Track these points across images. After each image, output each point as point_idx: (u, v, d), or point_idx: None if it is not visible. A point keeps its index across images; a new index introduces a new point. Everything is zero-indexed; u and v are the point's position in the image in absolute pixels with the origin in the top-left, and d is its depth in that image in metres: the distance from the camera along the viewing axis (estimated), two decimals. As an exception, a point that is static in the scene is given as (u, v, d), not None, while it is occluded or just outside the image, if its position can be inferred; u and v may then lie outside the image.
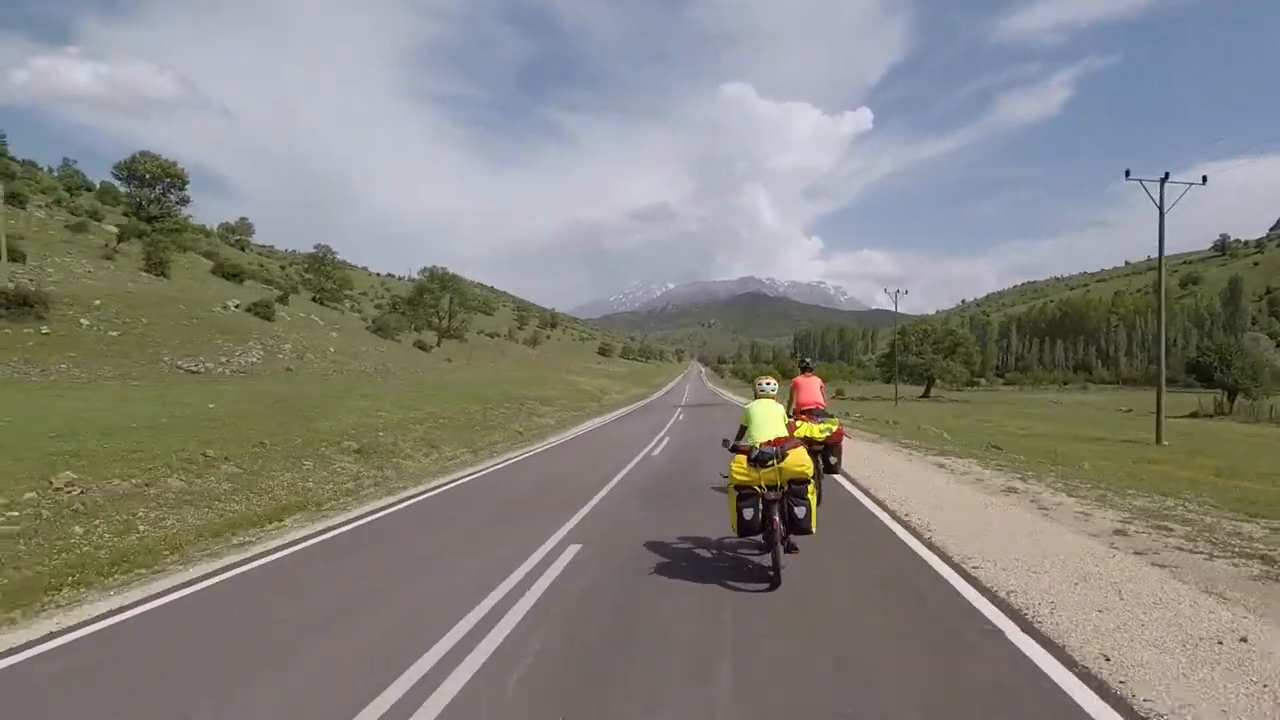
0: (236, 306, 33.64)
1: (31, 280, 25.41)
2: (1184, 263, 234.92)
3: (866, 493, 10.38)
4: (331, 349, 32.99)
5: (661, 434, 21.17)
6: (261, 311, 34.85)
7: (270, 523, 8.42)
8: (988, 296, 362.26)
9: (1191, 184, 25.48)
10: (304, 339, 32.63)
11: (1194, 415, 43.77)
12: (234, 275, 56.79)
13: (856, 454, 14.80)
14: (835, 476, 10.07)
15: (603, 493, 10.57)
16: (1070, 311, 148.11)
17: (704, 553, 6.90)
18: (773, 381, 6.87)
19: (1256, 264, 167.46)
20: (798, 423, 8.20)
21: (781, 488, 5.71)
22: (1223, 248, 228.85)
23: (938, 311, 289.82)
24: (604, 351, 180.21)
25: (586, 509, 9.26)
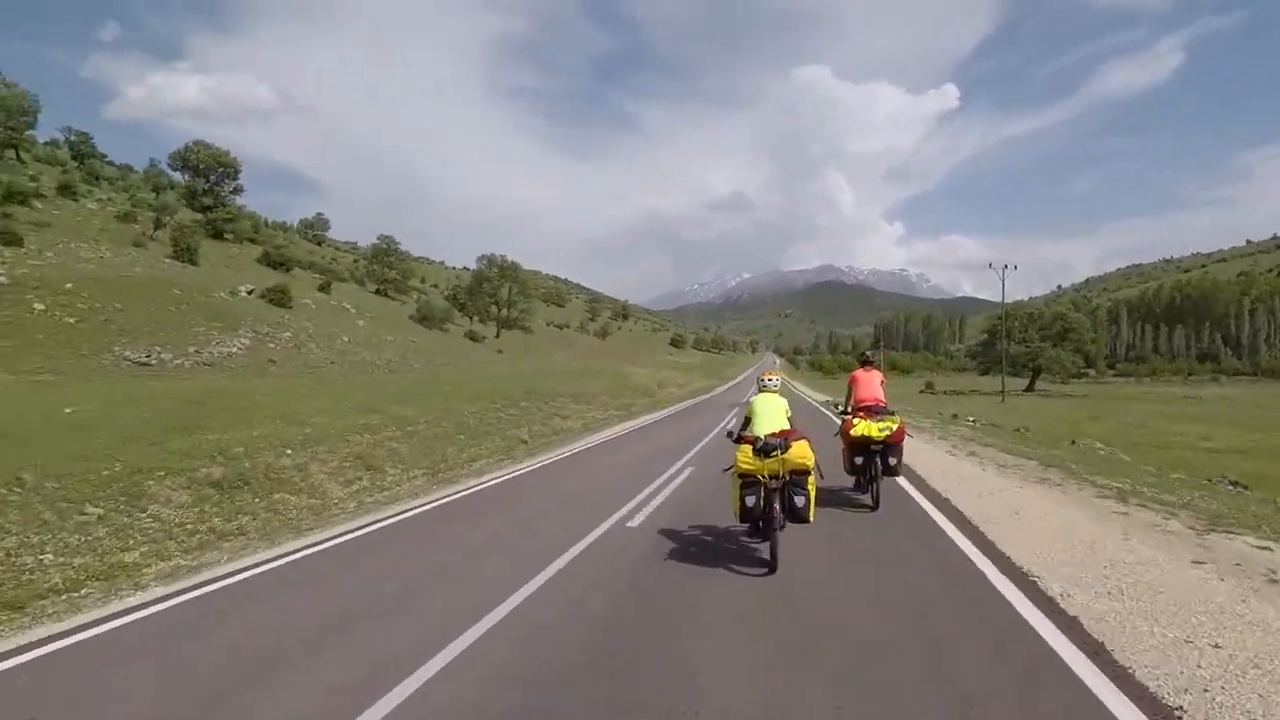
0: (249, 292, 30.71)
1: (4, 264, 22.79)
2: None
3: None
4: (345, 338, 29.39)
5: (707, 440, 16.19)
6: (276, 298, 31.85)
7: None
8: (1087, 281, 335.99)
9: None
10: (314, 327, 29.17)
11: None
12: (280, 265, 55.00)
13: (971, 484, 9.51)
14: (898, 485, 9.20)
15: (558, 565, 5.90)
16: (1191, 294, 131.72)
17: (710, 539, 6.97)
18: (776, 378, 7.01)
19: None
20: (855, 420, 8.02)
21: (784, 477, 5.88)
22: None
23: (1031, 298, 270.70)
24: (676, 343, 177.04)
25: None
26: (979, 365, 75.00)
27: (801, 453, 5.88)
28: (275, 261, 54.26)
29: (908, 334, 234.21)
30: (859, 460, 8.19)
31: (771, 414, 6.37)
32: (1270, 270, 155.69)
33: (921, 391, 69.60)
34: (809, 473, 5.95)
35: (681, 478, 11.21)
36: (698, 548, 6.72)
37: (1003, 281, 44.90)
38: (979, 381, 76.17)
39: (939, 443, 13.85)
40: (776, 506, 5.80)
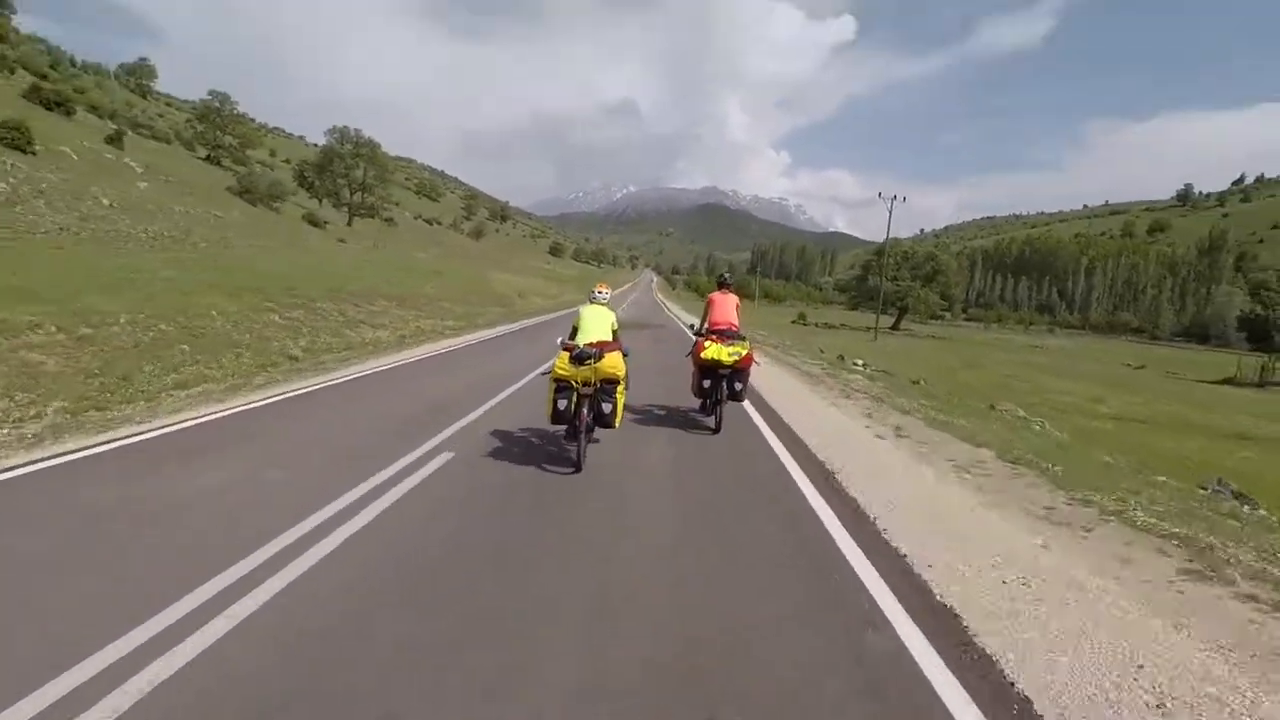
0: (-34, 126, 22.66)
1: None
2: (1145, 209, 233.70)
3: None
4: (106, 201, 22.40)
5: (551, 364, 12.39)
6: (8, 138, 23.88)
7: None
8: (946, 228, 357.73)
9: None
10: (60, 182, 21.99)
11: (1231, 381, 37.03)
12: (59, 105, 44.05)
13: (956, 525, 5.73)
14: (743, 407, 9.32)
15: None
16: (1038, 250, 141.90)
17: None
18: (605, 290, 7.28)
19: (1226, 215, 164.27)
20: (706, 343, 8.03)
21: (595, 385, 6.20)
22: (1185, 198, 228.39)
23: (896, 239, 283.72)
24: (555, 251, 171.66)
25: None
26: (850, 299, 75.85)
27: (613, 363, 6.23)
28: (49, 100, 43.13)
29: (783, 263, 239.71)
30: (706, 383, 8.13)
31: (596, 325, 6.65)
32: (1103, 233, 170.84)
33: (794, 322, 69.52)
34: (618, 382, 6.31)
35: (491, 422, 7.91)
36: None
37: (889, 214, 43.66)
38: (848, 316, 77.35)
39: (845, 404, 10.72)
40: (585, 411, 6.16)
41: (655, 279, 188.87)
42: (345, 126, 67.88)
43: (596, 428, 6.44)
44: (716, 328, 8.33)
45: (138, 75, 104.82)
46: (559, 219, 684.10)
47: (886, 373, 16.55)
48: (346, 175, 67.75)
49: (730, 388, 8.01)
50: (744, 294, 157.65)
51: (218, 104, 73.02)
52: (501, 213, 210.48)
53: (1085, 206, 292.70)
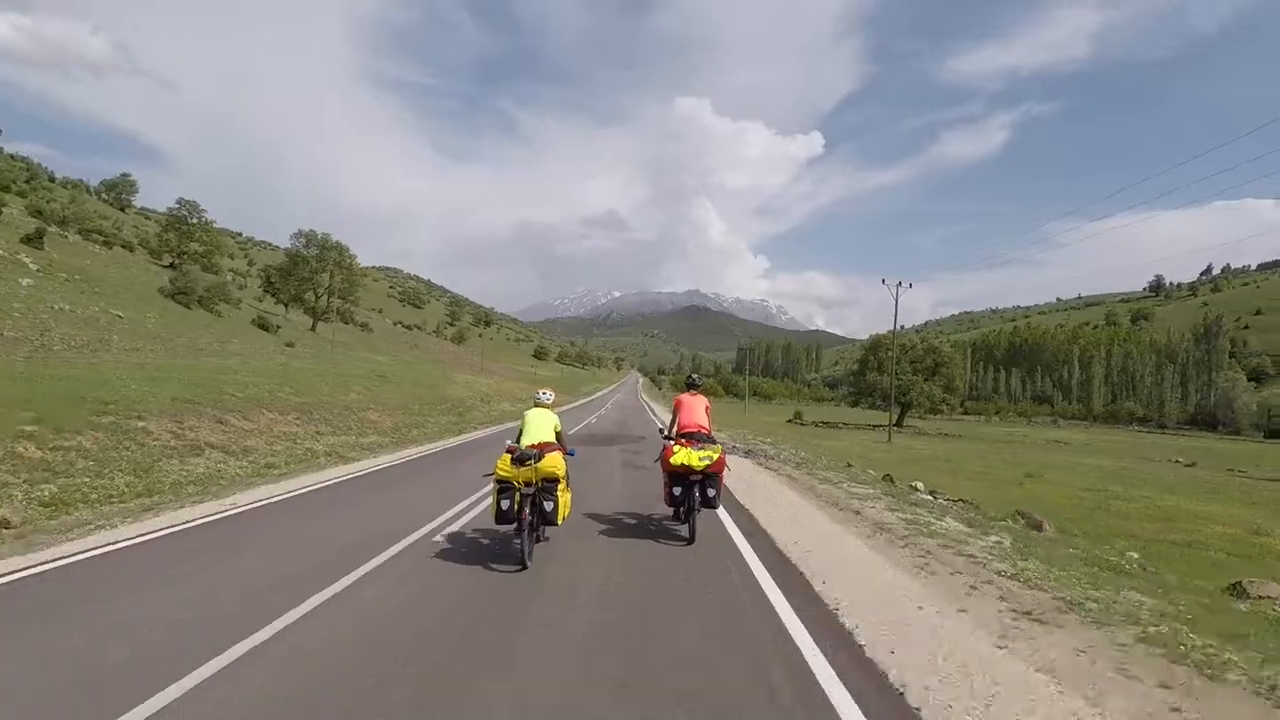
0: None
1: None
2: (1121, 300, 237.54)
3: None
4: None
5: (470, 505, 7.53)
6: None
7: None
8: (926, 323, 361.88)
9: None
10: None
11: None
12: (-18, 205, 40.50)
13: None
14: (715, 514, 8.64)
15: None
16: (1026, 341, 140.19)
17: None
18: (549, 392, 7.60)
19: (1205, 305, 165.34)
20: (675, 447, 7.62)
21: (536, 484, 6.37)
22: (1157, 289, 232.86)
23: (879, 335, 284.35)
24: (539, 354, 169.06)
25: None
26: (849, 396, 71.39)
27: (553, 463, 6.45)
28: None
29: (768, 361, 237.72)
30: (677, 490, 7.62)
31: (538, 427, 6.94)
32: (1086, 324, 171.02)
33: (790, 421, 64.77)
34: (559, 480, 6.54)
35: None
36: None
37: (895, 301, 39.75)
38: (847, 413, 72.71)
39: (981, 605, 5.63)
40: (527, 511, 6.28)
41: (640, 380, 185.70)
42: (312, 230, 64.92)
43: (545, 526, 6.79)
44: (685, 430, 7.99)
45: (118, 190, 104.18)
46: (545, 324, 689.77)
47: (966, 503, 11.51)
48: (312, 279, 64.10)
49: (703, 494, 7.63)
50: (731, 393, 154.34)
51: (185, 212, 70.44)
52: (486, 318, 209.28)
53: (1059, 299, 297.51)
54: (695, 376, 9.11)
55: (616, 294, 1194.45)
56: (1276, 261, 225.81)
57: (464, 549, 6.80)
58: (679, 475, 7.52)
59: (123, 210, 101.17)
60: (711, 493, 7.63)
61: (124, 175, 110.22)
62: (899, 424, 63.30)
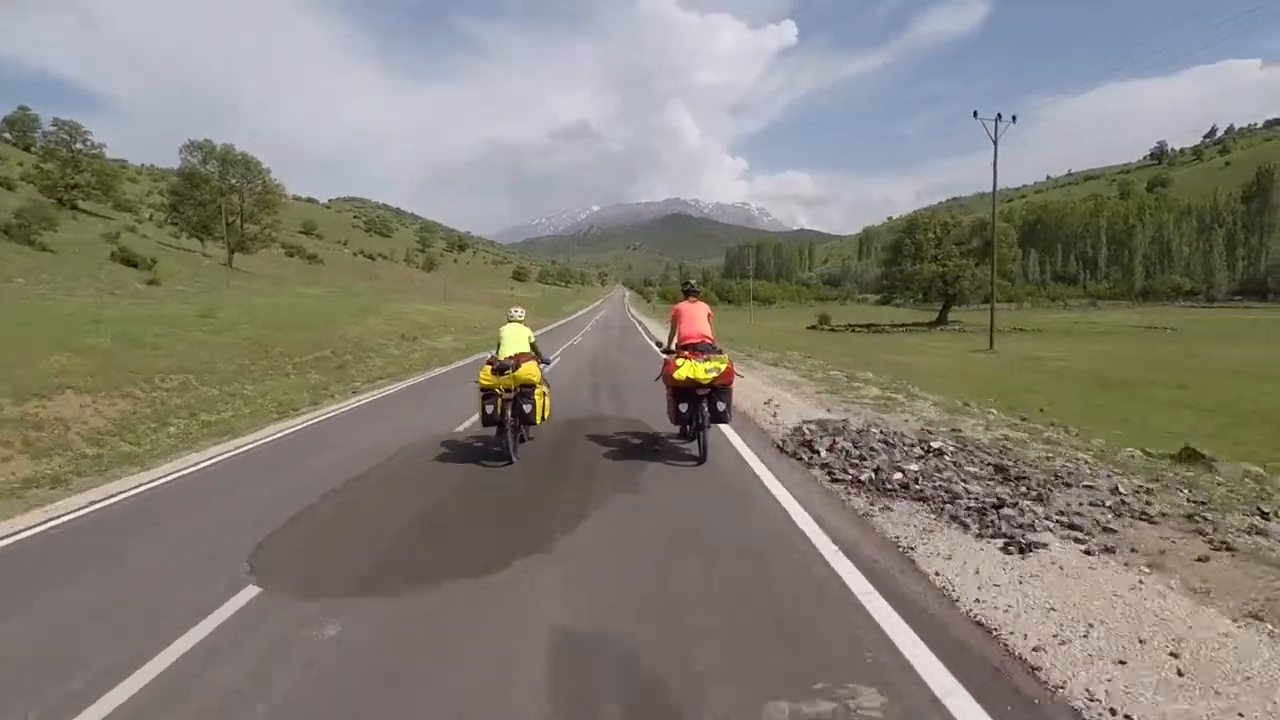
0: None
1: None
2: (1120, 172, 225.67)
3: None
4: None
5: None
6: None
7: None
8: (915, 213, 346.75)
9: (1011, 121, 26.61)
10: None
11: None
12: None
13: None
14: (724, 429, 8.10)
15: None
16: (1044, 218, 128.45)
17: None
18: (521, 309, 8.23)
19: (1228, 164, 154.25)
20: (678, 360, 7.03)
21: (515, 390, 7.13)
22: (1159, 156, 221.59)
23: (866, 229, 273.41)
24: (518, 276, 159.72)
25: None
26: (882, 293, 60.75)
27: (528, 371, 7.17)
28: None
29: (760, 263, 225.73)
30: (684, 407, 7.13)
31: (513, 340, 7.61)
32: (1095, 196, 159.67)
33: (813, 328, 54.62)
34: (534, 386, 7.23)
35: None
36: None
37: (995, 144, 27.74)
38: (877, 312, 62.44)
39: None
40: (509, 413, 7.12)
41: (627, 294, 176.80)
42: (208, 140, 51.92)
43: (527, 427, 7.64)
44: (688, 342, 7.37)
45: (18, 126, 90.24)
46: (525, 245, 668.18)
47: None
48: (215, 202, 51.54)
49: (712, 408, 6.99)
50: (725, 299, 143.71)
51: (65, 136, 57.18)
52: (460, 243, 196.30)
53: (1049, 177, 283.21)
54: (692, 282, 8.47)
55: (595, 208, 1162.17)
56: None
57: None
58: (684, 390, 6.97)
59: (28, 150, 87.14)
60: (722, 406, 7.06)
61: (22, 108, 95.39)
62: (941, 321, 53.45)
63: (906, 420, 8.81)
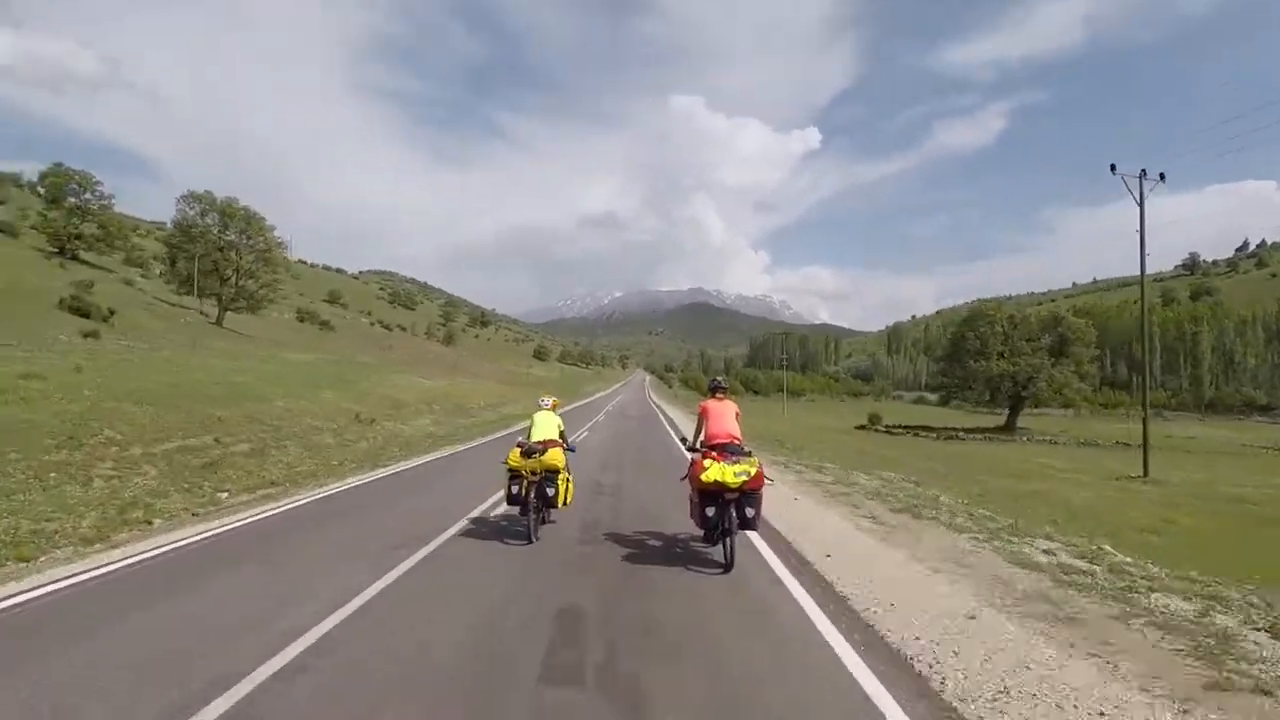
0: None
1: None
2: (1155, 280, 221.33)
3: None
4: None
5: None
6: None
7: None
8: (938, 313, 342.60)
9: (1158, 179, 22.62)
10: None
11: None
12: None
13: None
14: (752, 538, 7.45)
15: None
16: (1091, 321, 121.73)
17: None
18: (549, 398, 8.73)
19: (1275, 275, 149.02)
20: (705, 461, 6.62)
21: (540, 474, 7.56)
22: (1192, 267, 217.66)
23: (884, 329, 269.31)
24: (539, 354, 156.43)
25: None
26: (940, 391, 54.34)
27: (553, 456, 7.61)
28: None
29: (785, 355, 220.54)
30: (709, 511, 6.70)
31: (544, 427, 8.09)
32: (1132, 301, 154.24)
33: (862, 427, 48.12)
34: (559, 471, 7.69)
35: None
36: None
37: (1140, 206, 21.58)
38: (923, 412, 55.96)
39: None
40: (533, 495, 7.56)
41: (648, 378, 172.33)
42: (208, 192, 48.50)
43: (550, 509, 8.05)
44: (716, 441, 6.99)
45: (52, 182, 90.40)
46: (548, 325, 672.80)
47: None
48: (212, 257, 47.59)
49: (740, 513, 6.61)
50: (750, 389, 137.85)
51: (74, 184, 55.10)
52: (484, 319, 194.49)
53: (1075, 285, 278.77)
54: (720, 379, 8.19)
55: (618, 294, 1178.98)
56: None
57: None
58: (711, 494, 6.64)
59: (53, 203, 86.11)
60: (750, 512, 6.72)
61: (56, 164, 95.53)
62: (1009, 426, 46.86)
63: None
